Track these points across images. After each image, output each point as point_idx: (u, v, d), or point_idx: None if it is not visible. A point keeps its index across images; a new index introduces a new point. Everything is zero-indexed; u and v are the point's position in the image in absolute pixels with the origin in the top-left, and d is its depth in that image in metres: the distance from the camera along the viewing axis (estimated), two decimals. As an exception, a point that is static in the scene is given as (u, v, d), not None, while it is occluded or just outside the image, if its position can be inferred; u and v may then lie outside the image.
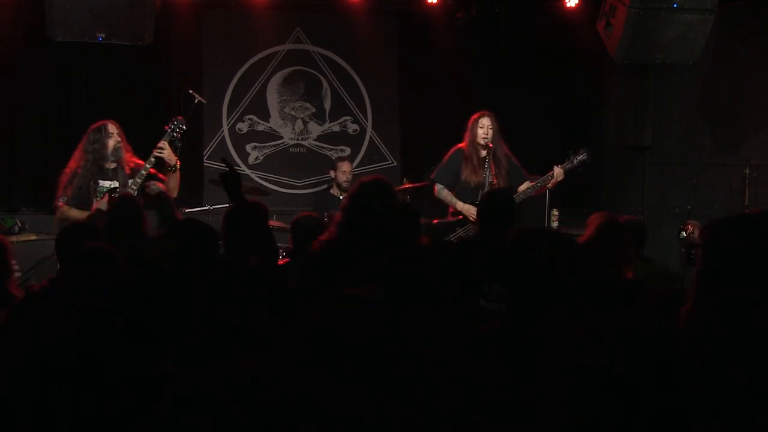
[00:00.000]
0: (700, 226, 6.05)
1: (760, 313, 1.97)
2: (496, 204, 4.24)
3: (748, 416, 1.87)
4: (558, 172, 5.78)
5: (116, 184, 5.39)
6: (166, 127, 5.48)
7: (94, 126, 5.46)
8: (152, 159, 5.35)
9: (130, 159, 5.48)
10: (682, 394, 1.86)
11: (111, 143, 5.39)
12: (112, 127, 5.42)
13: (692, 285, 2.11)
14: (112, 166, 5.41)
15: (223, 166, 3.55)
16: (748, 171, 6.95)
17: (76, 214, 5.30)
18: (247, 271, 3.20)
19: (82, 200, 5.35)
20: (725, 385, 1.90)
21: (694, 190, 7.77)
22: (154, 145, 5.50)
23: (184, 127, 5.50)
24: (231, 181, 3.39)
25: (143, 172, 5.33)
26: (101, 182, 5.39)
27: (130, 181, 5.37)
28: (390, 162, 8.45)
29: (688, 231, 6.97)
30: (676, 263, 7.21)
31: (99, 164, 5.37)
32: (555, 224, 7.30)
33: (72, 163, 5.43)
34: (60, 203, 5.35)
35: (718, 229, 2.12)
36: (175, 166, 5.41)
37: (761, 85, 7.16)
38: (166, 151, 5.35)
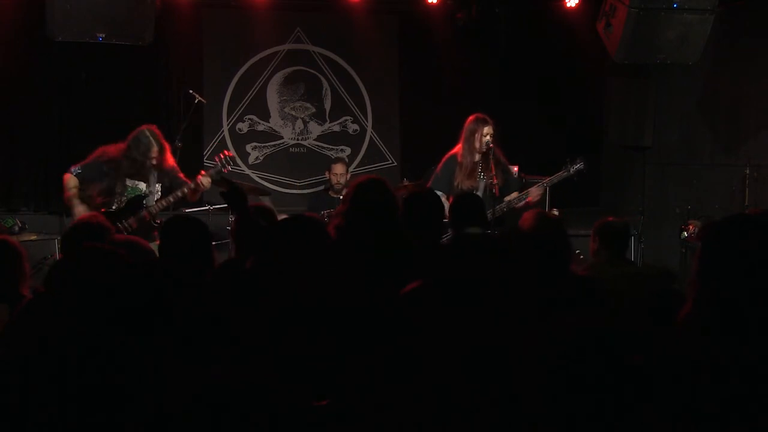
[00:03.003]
0: (700, 226, 6.05)
1: (759, 313, 1.97)
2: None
3: (747, 416, 1.87)
4: (535, 192, 5.71)
5: (143, 186, 5.41)
6: (217, 159, 5.56)
7: (144, 127, 5.44)
8: (191, 185, 5.37)
9: (167, 161, 5.49)
10: (665, 394, 1.87)
11: (152, 157, 5.39)
12: (157, 142, 5.41)
13: (691, 285, 2.11)
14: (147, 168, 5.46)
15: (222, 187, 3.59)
16: (748, 171, 6.94)
17: (71, 192, 5.35)
18: (247, 273, 3.21)
19: (105, 195, 5.38)
20: (724, 384, 1.90)
21: (694, 190, 7.77)
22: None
23: (230, 166, 5.59)
24: (235, 198, 3.43)
25: (179, 193, 5.37)
26: (129, 182, 5.39)
27: (157, 186, 5.41)
28: (390, 162, 8.45)
29: (690, 231, 6.97)
30: (676, 263, 7.22)
31: (133, 171, 5.40)
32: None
33: (112, 151, 5.41)
34: (72, 170, 5.37)
35: (718, 230, 2.12)
36: (198, 191, 5.46)
37: (761, 85, 7.15)
38: (206, 187, 5.41)
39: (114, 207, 5.37)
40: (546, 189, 5.85)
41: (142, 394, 2.11)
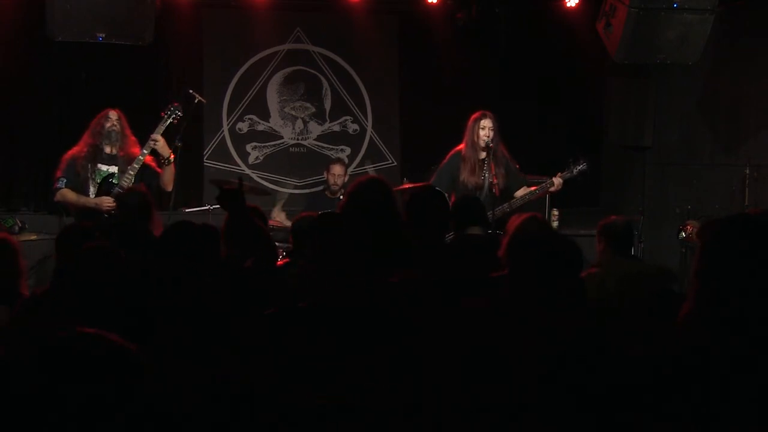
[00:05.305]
0: (699, 226, 6.04)
1: (759, 313, 1.97)
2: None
3: (747, 415, 1.87)
4: (558, 181, 5.79)
5: (114, 169, 5.49)
6: (163, 114, 5.55)
7: (106, 112, 5.58)
8: (145, 150, 5.44)
9: (131, 147, 5.57)
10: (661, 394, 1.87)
11: (108, 126, 5.49)
12: (113, 114, 5.55)
13: (691, 285, 2.11)
14: (111, 150, 5.52)
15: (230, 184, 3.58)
16: (748, 171, 6.94)
17: (73, 197, 5.43)
18: (244, 272, 3.21)
19: (80, 184, 5.47)
20: (724, 384, 1.90)
21: (694, 190, 7.77)
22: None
23: (180, 113, 5.58)
24: (227, 199, 3.43)
25: (140, 156, 5.46)
26: (99, 165, 5.48)
27: (128, 167, 5.44)
28: (390, 162, 8.45)
29: (688, 231, 6.96)
30: (677, 263, 7.21)
31: (98, 147, 5.48)
32: (555, 224, 7.30)
33: (74, 149, 5.55)
34: (58, 185, 5.46)
35: (718, 229, 2.12)
36: (168, 158, 5.49)
37: (761, 85, 7.15)
38: (159, 143, 5.45)
39: (92, 189, 5.46)
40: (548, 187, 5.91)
41: (142, 394, 2.11)
